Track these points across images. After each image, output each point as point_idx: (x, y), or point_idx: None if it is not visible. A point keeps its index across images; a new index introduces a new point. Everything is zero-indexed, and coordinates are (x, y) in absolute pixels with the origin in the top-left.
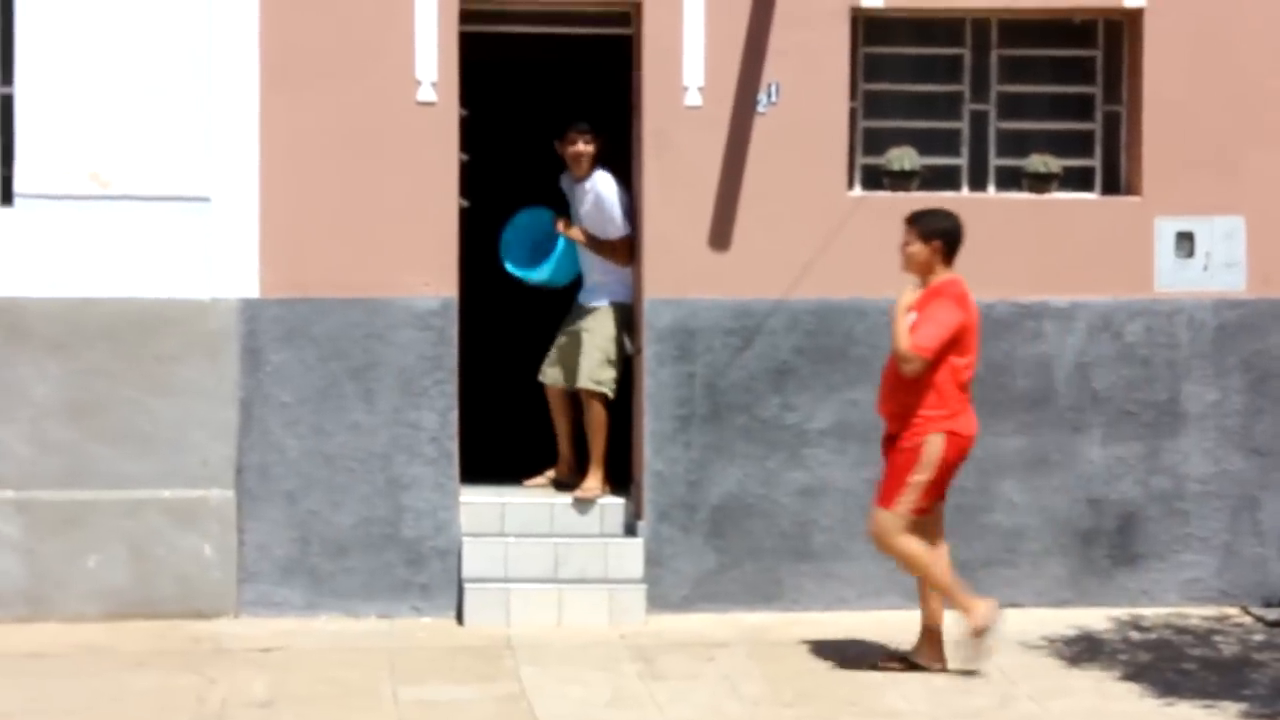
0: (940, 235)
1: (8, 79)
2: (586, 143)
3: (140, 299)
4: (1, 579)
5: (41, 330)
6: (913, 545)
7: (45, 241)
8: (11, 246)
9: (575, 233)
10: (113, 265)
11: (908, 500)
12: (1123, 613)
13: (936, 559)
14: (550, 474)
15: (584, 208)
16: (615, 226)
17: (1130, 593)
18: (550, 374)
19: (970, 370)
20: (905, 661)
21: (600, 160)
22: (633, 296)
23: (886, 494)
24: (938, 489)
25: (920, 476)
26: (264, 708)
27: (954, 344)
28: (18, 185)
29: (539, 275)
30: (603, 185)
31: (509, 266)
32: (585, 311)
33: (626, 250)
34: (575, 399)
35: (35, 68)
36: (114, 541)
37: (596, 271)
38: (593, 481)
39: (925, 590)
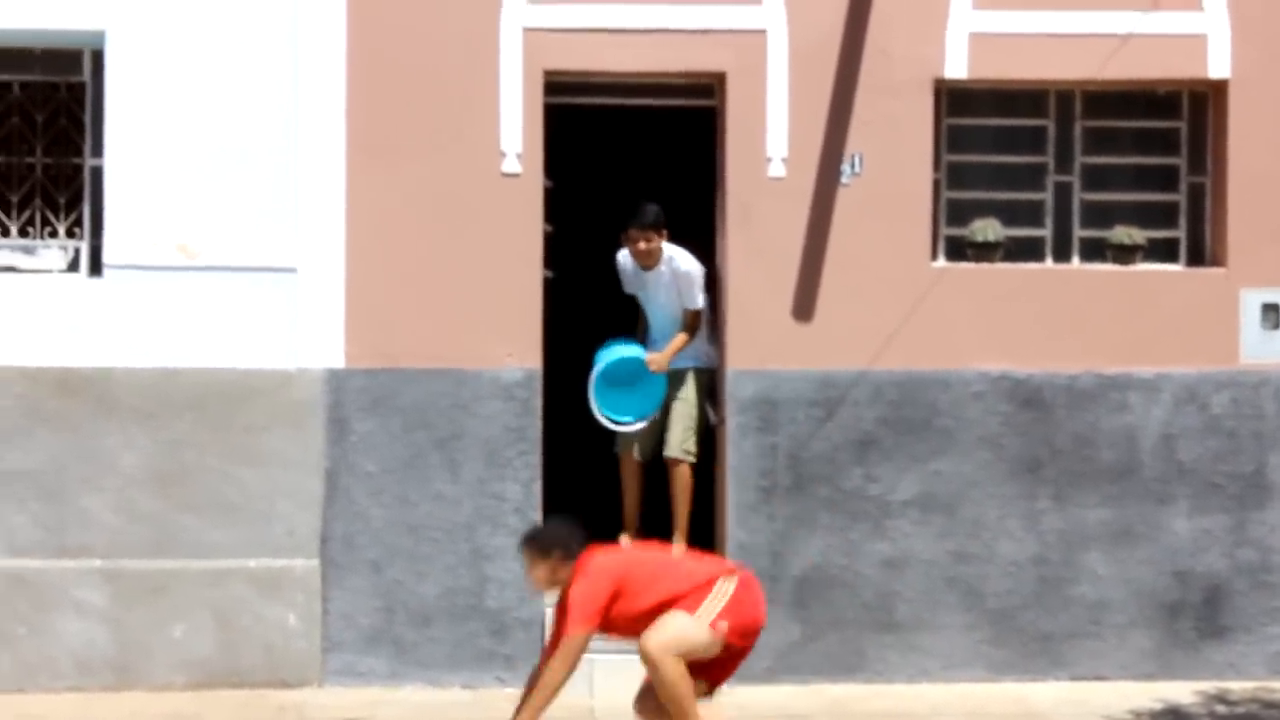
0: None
1: (98, 151)
2: (648, 240)
3: (227, 369)
4: (89, 648)
5: (129, 400)
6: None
7: (134, 312)
8: (101, 317)
9: (663, 360)
10: (200, 335)
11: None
12: (1209, 686)
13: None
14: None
15: (658, 290)
16: (695, 301)
17: (1216, 666)
18: (629, 444)
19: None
20: None
21: (676, 232)
22: (713, 363)
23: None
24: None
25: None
26: None
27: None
28: (107, 256)
29: (640, 419)
30: (682, 261)
31: (607, 416)
32: (669, 379)
33: (700, 322)
34: (644, 469)
35: (124, 140)
36: (200, 611)
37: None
38: (677, 550)
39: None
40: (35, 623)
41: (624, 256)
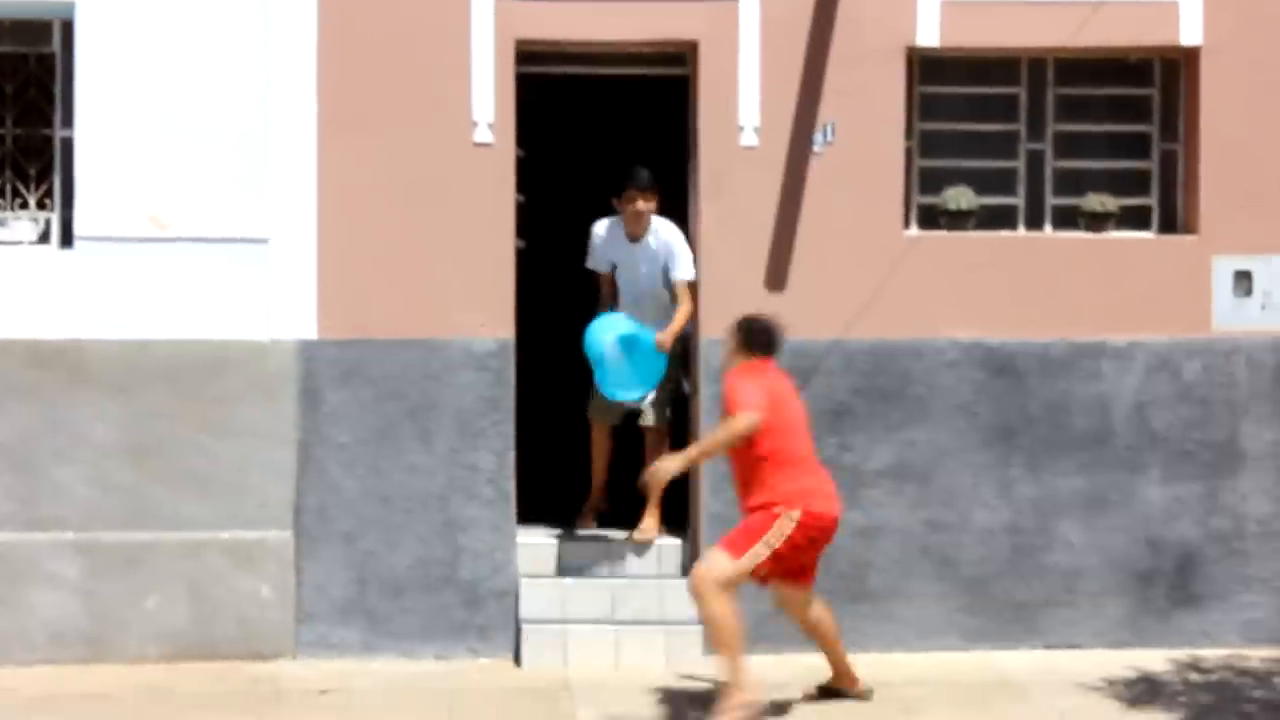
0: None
1: (68, 122)
2: (647, 200)
3: (199, 341)
4: (62, 621)
5: (101, 372)
6: (724, 606)
7: (105, 284)
8: (72, 289)
9: (669, 339)
10: (172, 307)
11: (750, 560)
12: (1182, 654)
13: (736, 632)
14: (590, 507)
15: (644, 263)
16: (687, 272)
17: (1190, 634)
18: (602, 410)
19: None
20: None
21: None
22: (686, 331)
23: (734, 544)
24: (782, 564)
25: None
26: None
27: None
28: (78, 228)
29: (643, 393)
30: (668, 233)
31: (612, 394)
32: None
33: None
34: (615, 433)
35: (95, 111)
36: (173, 583)
37: (654, 312)
38: (650, 522)
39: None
40: (8, 596)
41: (601, 226)
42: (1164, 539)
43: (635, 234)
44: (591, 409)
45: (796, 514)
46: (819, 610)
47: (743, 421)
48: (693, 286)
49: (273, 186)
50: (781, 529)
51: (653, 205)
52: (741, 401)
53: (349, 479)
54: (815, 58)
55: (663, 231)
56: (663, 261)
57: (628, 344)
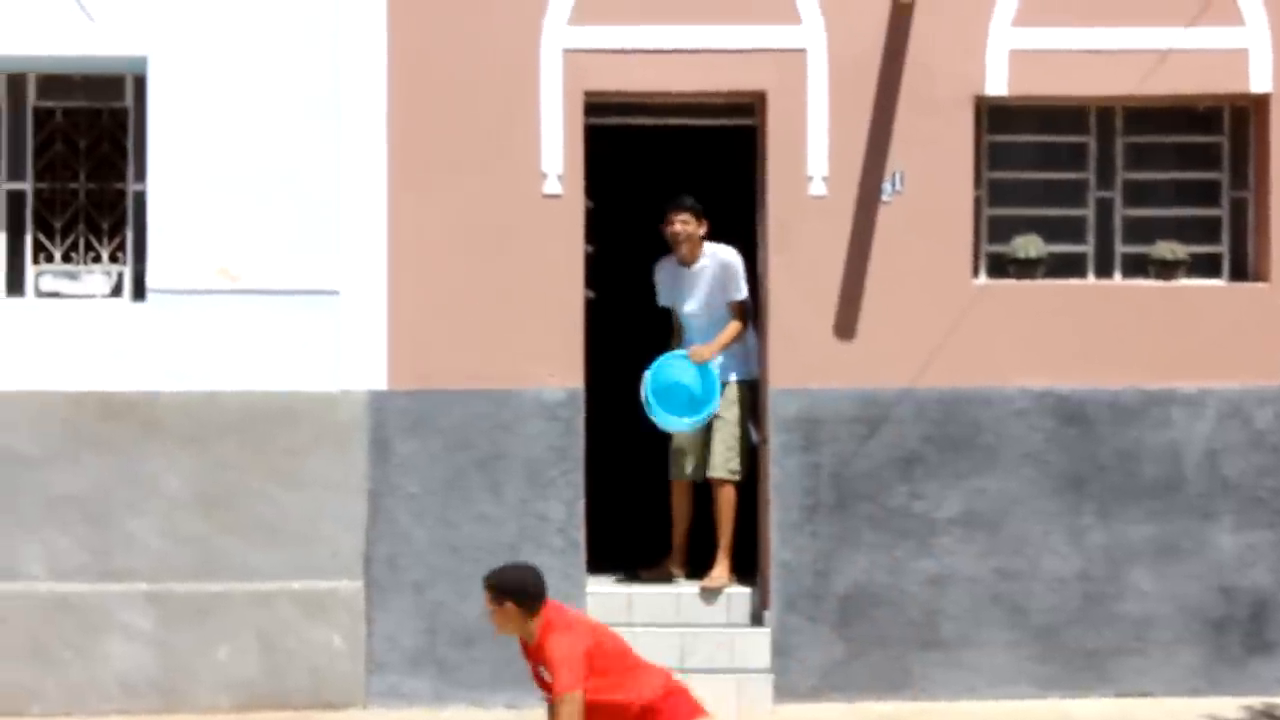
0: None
1: (140, 176)
2: (684, 222)
3: (270, 392)
4: (134, 671)
5: (173, 424)
6: None
7: (177, 336)
8: (144, 341)
9: (706, 351)
10: (243, 358)
11: None
12: (1256, 701)
13: None
14: (666, 568)
15: (698, 289)
16: (739, 291)
17: (1263, 681)
18: (681, 468)
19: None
20: None
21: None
22: (754, 375)
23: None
24: None
25: None
26: None
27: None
28: (150, 281)
29: (700, 416)
30: (724, 254)
31: (666, 420)
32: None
33: (745, 313)
34: (694, 490)
35: (167, 165)
36: (245, 633)
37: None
38: (720, 571)
39: None
40: (82, 646)
41: (662, 265)
42: (1237, 586)
43: (685, 260)
44: (671, 470)
45: None
46: None
47: (574, 704)
48: (757, 328)
49: (343, 238)
50: None
51: (691, 227)
52: (567, 679)
53: (419, 529)
54: (883, 107)
55: (720, 254)
56: (718, 285)
57: (669, 371)
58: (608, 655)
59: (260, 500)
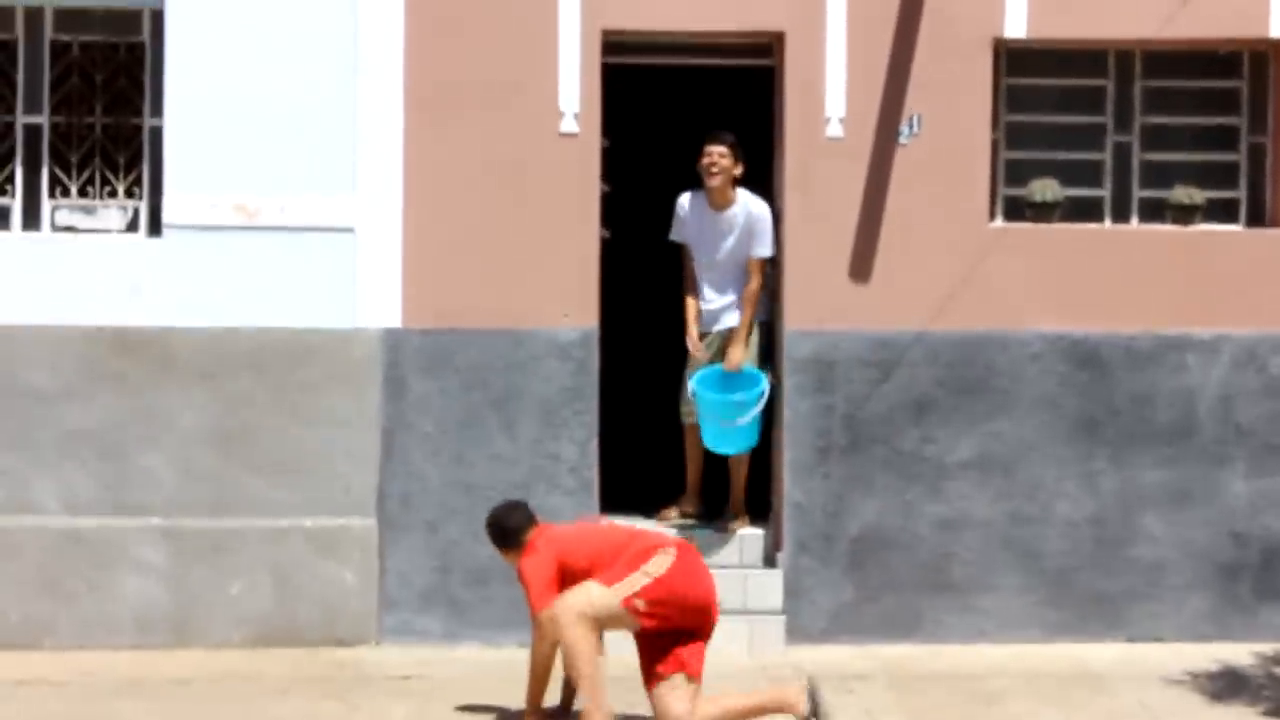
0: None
1: (157, 111)
2: (721, 155)
3: (285, 328)
4: (148, 606)
5: (188, 360)
6: (583, 635)
7: (192, 272)
8: (160, 277)
9: (739, 358)
10: (258, 295)
11: (626, 587)
12: (1267, 648)
13: (598, 677)
14: (678, 509)
15: (725, 238)
16: (766, 248)
17: (1275, 628)
18: (693, 412)
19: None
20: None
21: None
22: (768, 316)
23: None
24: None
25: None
26: None
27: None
28: (166, 216)
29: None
30: (757, 208)
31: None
32: (726, 339)
33: (763, 274)
34: None
35: (183, 100)
36: (258, 569)
37: (733, 291)
38: (737, 523)
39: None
40: (96, 580)
41: (685, 198)
42: (1249, 533)
43: (716, 202)
44: (683, 411)
45: (673, 551)
46: None
47: (542, 622)
48: (773, 269)
49: (359, 175)
50: (661, 562)
51: (728, 161)
52: (533, 601)
53: (433, 467)
54: (902, 49)
55: (751, 205)
56: (745, 236)
57: (710, 390)
58: (592, 553)
59: (274, 437)
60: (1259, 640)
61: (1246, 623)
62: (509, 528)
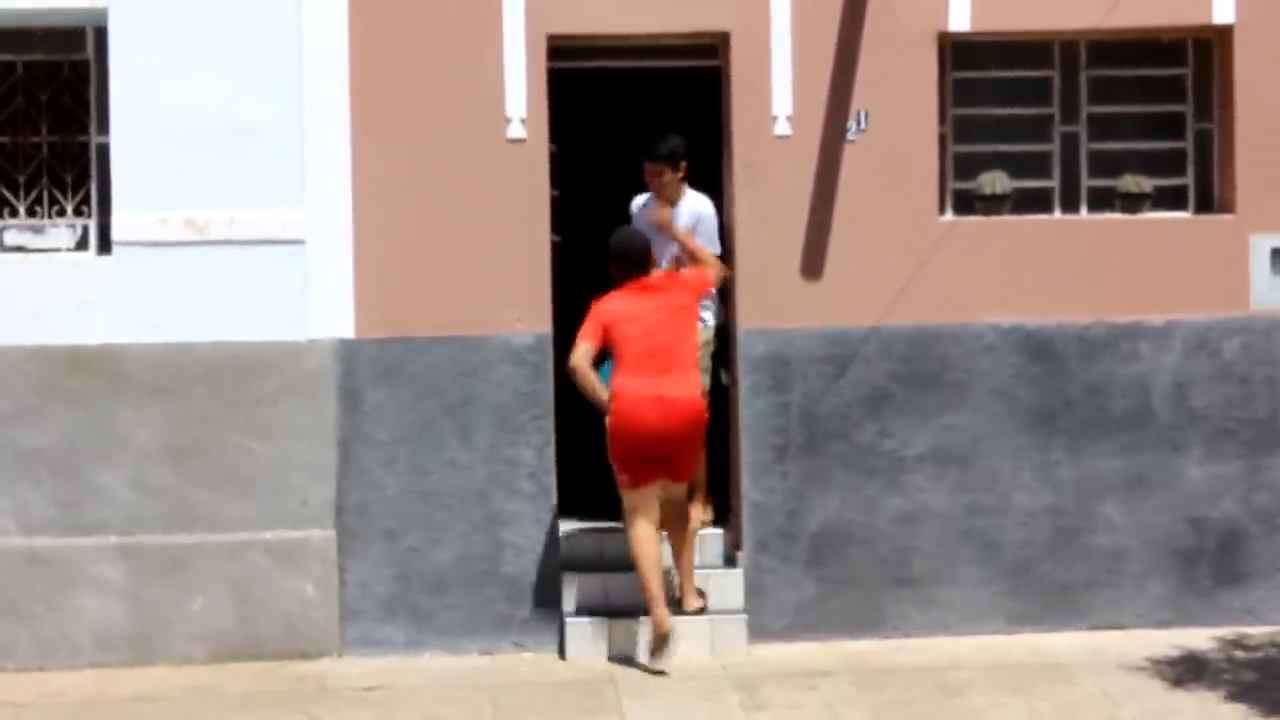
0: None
1: (103, 128)
2: (656, 174)
3: (238, 342)
4: (107, 624)
5: (141, 376)
6: (635, 530)
7: (143, 288)
8: (110, 294)
9: (665, 215)
10: (210, 310)
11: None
12: (1226, 632)
13: (649, 554)
14: None
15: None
16: (714, 245)
17: (1234, 612)
18: None
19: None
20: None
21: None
22: (720, 319)
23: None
24: (627, 463)
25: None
26: None
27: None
28: (115, 234)
29: None
30: (700, 205)
31: None
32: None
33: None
34: None
35: (129, 116)
36: (217, 584)
37: None
38: (695, 511)
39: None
40: (54, 600)
41: (637, 202)
42: (1207, 518)
43: (668, 201)
44: None
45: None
46: (671, 521)
47: (572, 362)
48: (725, 266)
49: (308, 187)
50: (610, 429)
51: (667, 177)
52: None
53: (390, 476)
54: (847, 46)
55: (696, 204)
56: (697, 234)
57: None
58: (622, 336)
59: (230, 451)
60: (1219, 624)
61: (1206, 607)
62: (625, 260)
